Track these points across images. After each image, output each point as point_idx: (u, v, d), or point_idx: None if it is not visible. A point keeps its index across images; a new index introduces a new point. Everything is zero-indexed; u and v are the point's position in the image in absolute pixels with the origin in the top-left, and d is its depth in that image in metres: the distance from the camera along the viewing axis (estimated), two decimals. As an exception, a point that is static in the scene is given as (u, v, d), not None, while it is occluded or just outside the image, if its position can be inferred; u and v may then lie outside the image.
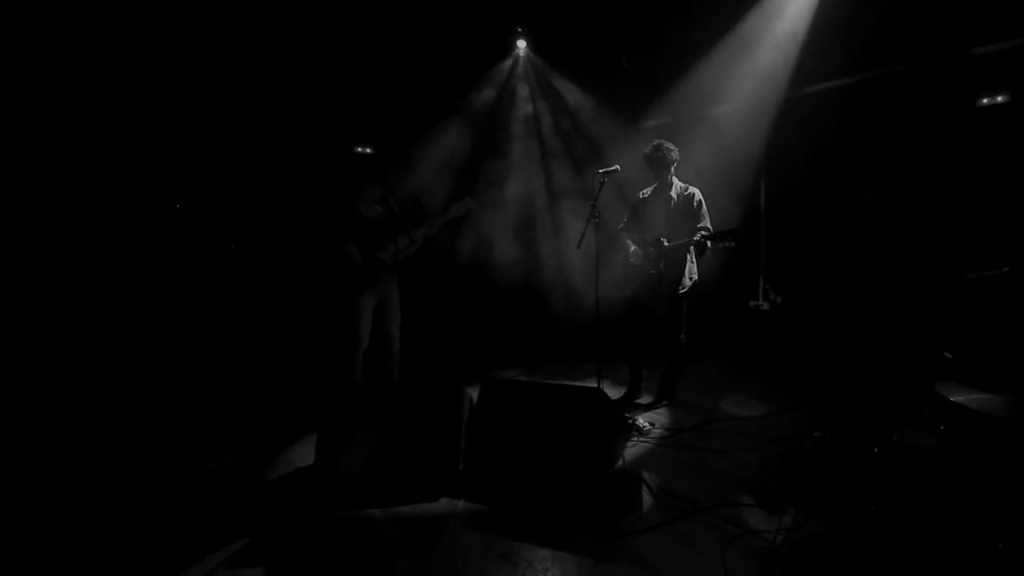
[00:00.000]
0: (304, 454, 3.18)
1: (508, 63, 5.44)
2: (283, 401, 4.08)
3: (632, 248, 3.83)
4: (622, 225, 4.00)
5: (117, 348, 3.94)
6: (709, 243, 3.46)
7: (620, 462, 2.92)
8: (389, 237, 3.58)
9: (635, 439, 3.31)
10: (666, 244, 3.63)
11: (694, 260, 3.78)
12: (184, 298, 4.19)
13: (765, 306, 5.12)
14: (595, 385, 3.07)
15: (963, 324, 2.83)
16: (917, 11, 3.78)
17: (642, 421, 3.50)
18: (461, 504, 2.64)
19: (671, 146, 3.73)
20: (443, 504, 2.64)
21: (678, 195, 3.74)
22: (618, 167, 3.46)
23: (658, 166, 3.73)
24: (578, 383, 4.46)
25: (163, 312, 4.16)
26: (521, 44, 5.37)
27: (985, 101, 3.75)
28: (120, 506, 2.68)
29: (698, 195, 3.71)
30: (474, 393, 3.09)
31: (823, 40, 4.21)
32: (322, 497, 2.70)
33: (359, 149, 3.38)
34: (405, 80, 5.08)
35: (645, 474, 2.87)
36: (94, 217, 3.86)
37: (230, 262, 4.09)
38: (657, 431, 3.44)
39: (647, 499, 2.64)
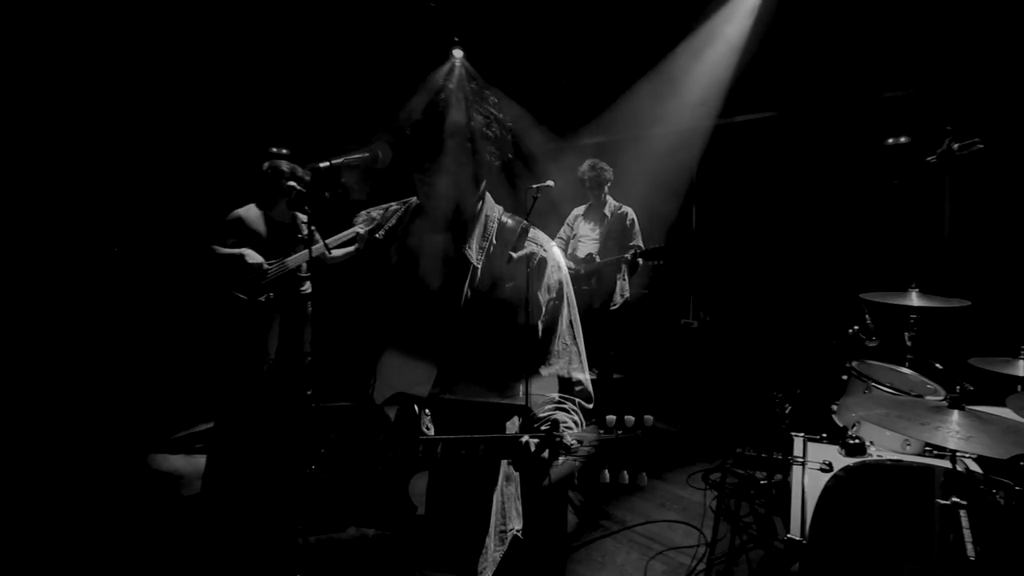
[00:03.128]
0: (192, 481, 2.86)
1: (443, 72, 5.33)
2: (172, 417, 3.67)
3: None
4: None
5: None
6: (640, 260, 3.53)
7: (545, 481, 2.82)
8: (299, 244, 3.32)
9: (562, 457, 3.22)
10: (598, 261, 3.66)
11: (626, 278, 3.84)
12: (59, 303, 3.65)
13: (695, 324, 5.25)
14: (523, 403, 2.97)
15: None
16: (835, 56, 4.05)
17: (569, 438, 3.42)
18: (372, 532, 2.44)
19: (605, 166, 3.79)
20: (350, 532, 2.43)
21: (611, 213, 3.79)
22: (551, 183, 3.44)
23: (593, 185, 3.77)
24: (506, 400, 4.38)
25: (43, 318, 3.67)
26: (458, 54, 5.28)
27: (890, 141, 4.07)
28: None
29: (631, 214, 3.78)
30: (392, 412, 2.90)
31: (751, 74, 4.43)
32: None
33: (274, 150, 3.13)
34: (331, 84, 4.87)
35: (571, 493, 2.79)
36: None
37: (112, 265, 3.62)
38: (584, 449, 3.35)
39: (572, 518, 2.58)
